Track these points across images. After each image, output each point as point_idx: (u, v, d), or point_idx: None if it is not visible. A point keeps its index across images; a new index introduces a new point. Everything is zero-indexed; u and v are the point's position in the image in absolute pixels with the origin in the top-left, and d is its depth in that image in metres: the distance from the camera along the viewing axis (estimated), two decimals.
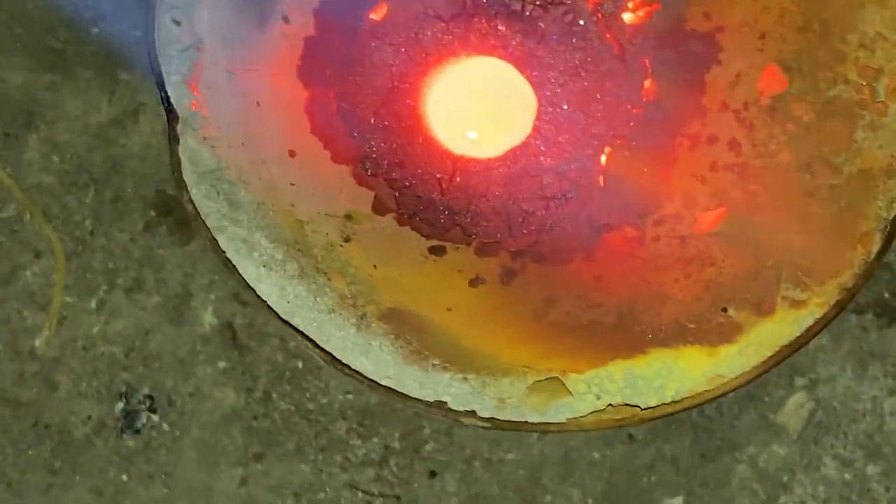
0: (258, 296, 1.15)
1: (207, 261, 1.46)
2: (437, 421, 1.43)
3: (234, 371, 1.46)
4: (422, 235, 1.24)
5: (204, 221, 1.15)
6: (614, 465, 1.44)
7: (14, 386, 1.47)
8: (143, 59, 1.39)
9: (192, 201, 1.15)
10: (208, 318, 1.46)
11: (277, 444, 1.46)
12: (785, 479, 1.44)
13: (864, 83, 1.16)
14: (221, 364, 1.46)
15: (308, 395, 1.45)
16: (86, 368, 1.47)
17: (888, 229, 1.14)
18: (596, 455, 1.45)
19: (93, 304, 1.47)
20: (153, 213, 1.47)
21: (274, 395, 1.46)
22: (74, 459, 1.47)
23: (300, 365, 1.45)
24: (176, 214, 1.46)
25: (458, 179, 1.26)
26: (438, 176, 1.26)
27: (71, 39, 1.48)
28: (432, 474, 1.45)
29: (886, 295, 1.44)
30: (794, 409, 1.45)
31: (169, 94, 1.15)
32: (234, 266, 1.15)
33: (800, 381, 1.44)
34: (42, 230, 1.47)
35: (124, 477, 1.46)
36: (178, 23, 1.15)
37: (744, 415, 1.44)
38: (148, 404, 1.46)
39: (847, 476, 1.44)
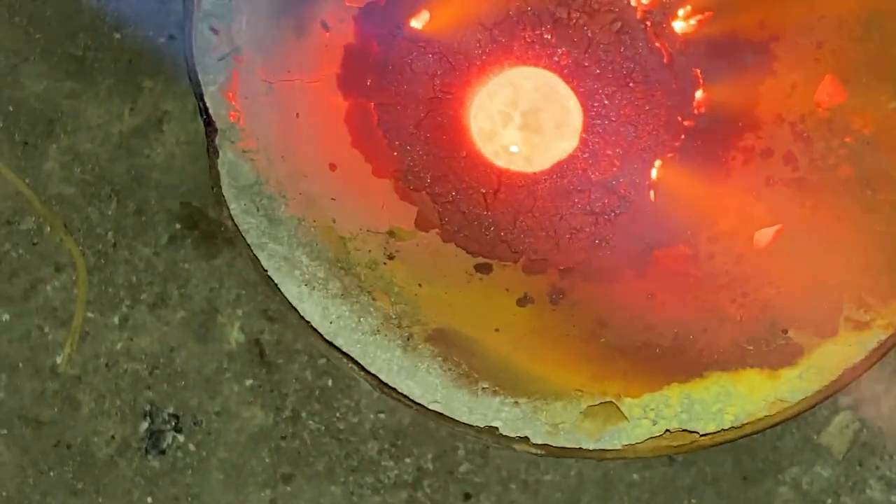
0: (301, 316, 1.10)
1: (234, 275, 1.41)
2: (471, 441, 1.39)
3: (262, 389, 1.42)
4: (467, 252, 1.21)
5: (244, 238, 1.10)
6: (654, 488, 1.41)
7: (34, 405, 1.43)
8: (167, 66, 1.35)
9: (231, 217, 1.10)
10: (235, 335, 1.42)
11: (307, 465, 1.41)
12: (829, 501, 1.41)
13: None
14: (249, 382, 1.42)
15: (338, 415, 1.41)
16: (109, 386, 1.43)
17: None
18: (635, 476, 1.41)
19: (115, 319, 1.43)
20: (178, 226, 1.42)
21: (303, 414, 1.42)
22: (97, 481, 1.43)
23: (330, 383, 1.41)
24: (201, 227, 1.42)
25: (503, 194, 1.22)
26: (483, 190, 1.23)
27: (92, 46, 1.44)
28: (467, 497, 1.41)
29: None
30: (839, 429, 1.41)
31: (207, 104, 1.11)
32: (275, 285, 1.10)
33: (844, 401, 1.41)
34: (63, 243, 1.43)
35: (149, 499, 1.42)
36: (215, 31, 1.11)
37: (786, 435, 1.41)
38: (173, 424, 1.42)
39: (893, 498, 1.41)
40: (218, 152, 1.11)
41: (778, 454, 1.41)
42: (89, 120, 1.44)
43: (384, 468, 1.41)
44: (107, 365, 1.43)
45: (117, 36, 1.44)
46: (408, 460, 1.41)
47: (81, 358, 1.43)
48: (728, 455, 1.41)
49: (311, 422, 1.42)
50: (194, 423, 1.42)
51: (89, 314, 1.43)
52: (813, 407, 1.10)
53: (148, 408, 1.43)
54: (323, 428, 1.42)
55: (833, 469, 1.41)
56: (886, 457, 1.41)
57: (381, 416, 1.41)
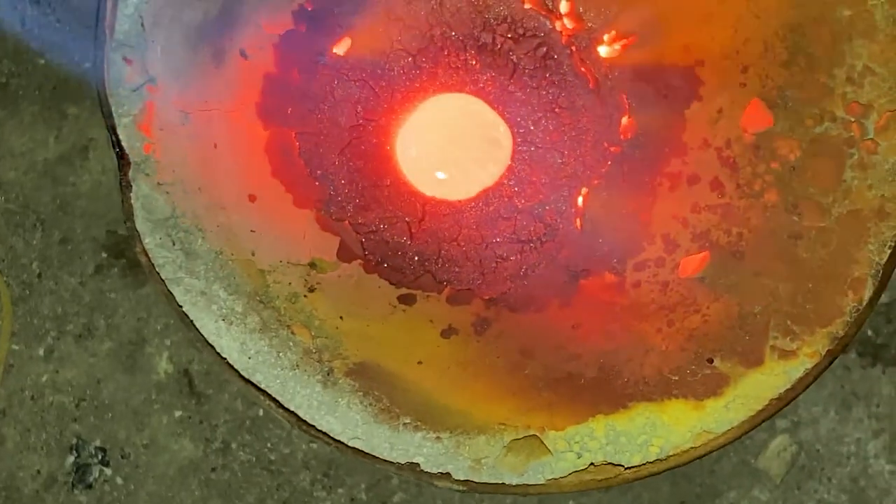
0: (217, 352, 1.09)
1: (162, 305, 1.40)
2: None
3: (192, 420, 1.41)
4: (390, 283, 1.20)
5: (158, 273, 1.09)
6: None
7: None
8: (92, 92, 1.33)
9: (145, 252, 1.09)
10: (163, 365, 1.41)
11: (238, 497, 1.40)
12: None
13: (853, 120, 1.11)
14: (178, 413, 1.41)
15: (269, 445, 1.40)
16: (34, 420, 1.42)
17: (880, 274, 1.10)
18: (571, 503, 1.40)
19: (41, 351, 1.42)
20: (104, 255, 1.41)
21: (233, 445, 1.40)
22: None
23: (261, 413, 1.40)
24: (128, 256, 1.41)
25: (428, 223, 1.21)
26: (407, 219, 1.22)
27: (15, 72, 1.42)
28: None
29: (870, 333, 1.40)
30: (777, 452, 1.41)
31: (120, 137, 1.09)
32: (191, 321, 1.09)
33: (782, 424, 1.40)
34: None
35: None
36: (129, 61, 1.09)
37: (724, 459, 1.40)
38: (100, 457, 1.41)
39: None
40: (131, 186, 1.09)
41: (715, 479, 1.40)
42: (13, 148, 1.42)
43: (317, 499, 1.40)
44: (32, 398, 1.42)
45: (41, 62, 1.42)
46: (340, 490, 1.40)
47: (6, 391, 1.42)
48: (665, 480, 1.40)
49: (241, 453, 1.41)
50: (122, 456, 1.41)
51: (14, 346, 1.42)
52: (739, 438, 1.10)
53: (74, 441, 1.42)
54: (254, 459, 1.41)
55: (771, 493, 1.41)
56: (825, 480, 1.40)
57: (313, 446, 1.40)
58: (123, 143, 1.09)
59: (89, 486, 1.41)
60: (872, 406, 1.40)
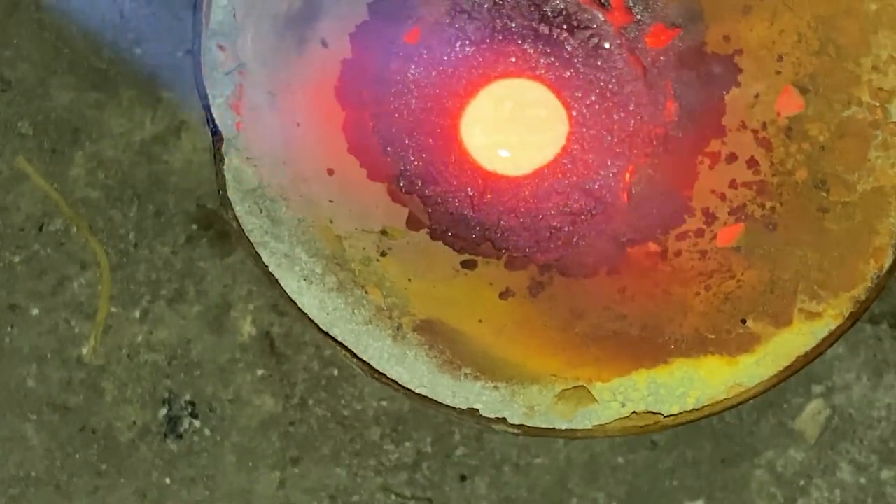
0: (299, 308, 1.20)
1: (246, 272, 1.51)
2: (467, 427, 1.48)
3: (272, 378, 1.51)
4: (454, 250, 1.28)
5: (248, 237, 1.20)
6: (637, 470, 1.49)
7: (62, 392, 1.52)
8: (183, 79, 1.45)
9: (236, 218, 1.21)
10: (247, 328, 1.51)
11: (314, 449, 1.50)
12: (802, 483, 1.49)
13: (877, 104, 1.20)
14: (260, 372, 1.51)
15: (343, 402, 1.50)
16: (130, 376, 1.52)
17: None
18: (620, 460, 1.49)
19: (137, 313, 1.52)
20: (194, 227, 1.52)
21: (310, 402, 1.51)
22: (120, 463, 1.52)
23: (336, 372, 1.50)
24: (216, 228, 1.51)
25: (489, 196, 1.31)
26: (470, 193, 1.31)
27: (115, 60, 1.53)
28: (463, 478, 1.50)
29: None
30: (812, 415, 1.49)
31: (214, 115, 1.21)
32: (276, 280, 1.20)
33: (817, 389, 1.49)
34: (88, 243, 1.52)
35: (167, 480, 1.52)
36: (222, 48, 1.21)
37: (762, 421, 1.49)
38: (190, 410, 1.51)
39: (862, 480, 1.48)
40: (224, 159, 1.21)
41: (755, 439, 1.49)
42: (112, 129, 1.53)
43: (386, 452, 1.50)
44: (129, 356, 1.52)
45: (138, 51, 1.53)
46: (408, 444, 1.50)
47: (105, 349, 1.52)
48: (707, 439, 1.49)
49: (317, 409, 1.51)
50: (209, 410, 1.51)
51: (112, 309, 1.52)
52: (767, 391, 1.19)
53: (166, 395, 1.52)
54: (329, 414, 1.51)
55: (806, 453, 1.49)
56: (857, 441, 1.49)
57: (384, 403, 1.50)
58: (217, 121, 1.21)
59: (180, 436, 1.52)
60: None
